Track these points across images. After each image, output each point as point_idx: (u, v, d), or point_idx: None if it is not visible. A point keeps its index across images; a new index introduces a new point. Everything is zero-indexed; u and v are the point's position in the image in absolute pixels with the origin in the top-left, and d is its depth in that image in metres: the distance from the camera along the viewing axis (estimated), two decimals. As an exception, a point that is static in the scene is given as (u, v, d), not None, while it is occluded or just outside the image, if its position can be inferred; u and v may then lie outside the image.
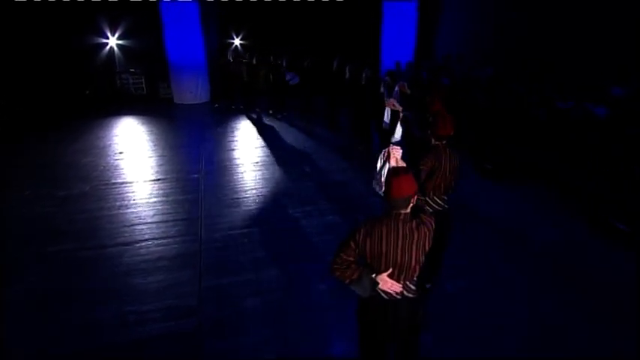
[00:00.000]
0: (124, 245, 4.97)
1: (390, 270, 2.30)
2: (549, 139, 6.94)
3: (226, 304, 3.97)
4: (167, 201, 6.19)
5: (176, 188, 6.68)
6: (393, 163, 2.90)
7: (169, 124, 11.11)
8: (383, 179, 2.83)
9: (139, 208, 5.94)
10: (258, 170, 7.50)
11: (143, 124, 11.09)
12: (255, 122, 11.23)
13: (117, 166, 7.72)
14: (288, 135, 9.93)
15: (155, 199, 6.24)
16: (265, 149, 8.77)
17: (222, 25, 15.80)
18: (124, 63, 14.34)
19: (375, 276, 2.32)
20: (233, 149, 8.80)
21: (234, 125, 10.96)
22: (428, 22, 14.60)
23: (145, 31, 13.69)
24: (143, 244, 5.01)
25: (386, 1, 14.12)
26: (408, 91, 6.64)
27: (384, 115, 6.44)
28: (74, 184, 6.75)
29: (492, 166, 7.22)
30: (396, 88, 6.92)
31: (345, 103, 9.66)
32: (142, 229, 5.36)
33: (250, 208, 5.98)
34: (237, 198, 6.32)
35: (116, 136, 9.81)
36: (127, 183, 6.88)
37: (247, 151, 8.68)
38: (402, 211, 2.26)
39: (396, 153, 2.93)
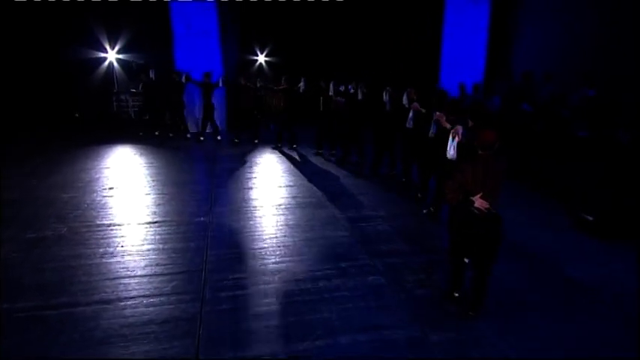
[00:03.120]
0: (103, 304, 4.80)
1: (481, 193, 4.12)
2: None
3: (230, 389, 3.70)
4: (164, 249, 6.09)
5: (176, 234, 6.60)
6: (457, 139, 5.86)
7: (174, 156, 11.25)
8: (453, 151, 5.94)
9: (127, 257, 5.84)
10: (281, 215, 7.39)
11: (142, 154, 11.27)
12: (280, 156, 11.22)
13: (104, 204, 7.74)
14: (322, 172, 9.88)
15: (148, 247, 6.16)
16: (291, 189, 8.70)
17: (244, 39, 16.28)
18: (125, 81, 14.87)
19: (472, 197, 4.17)
20: (251, 188, 8.78)
21: (253, 159, 10.99)
22: (503, 31, 14.51)
23: (151, 44, 14.25)
24: (128, 302, 4.84)
25: (450, 6, 14.19)
26: (415, 97, 8.50)
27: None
28: (48, 225, 6.75)
29: (595, 216, 6.78)
30: (405, 95, 8.72)
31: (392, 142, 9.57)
32: (129, 283, 5.22)
33: (269, 261, 5.80)
34: (253, 249, 6.16)
35: (107, 168, 9.96)
36: (114, 225, 6.85)
37: (268, 190, 8.62)
38: (489, 152, 4.16)
39: (458, 131, 5.80)
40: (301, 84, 11.69)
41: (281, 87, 11.87)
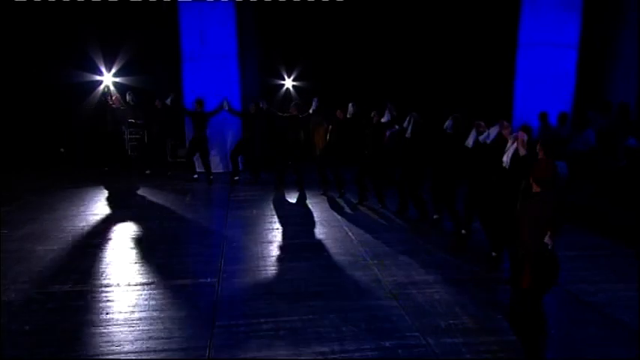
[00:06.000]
0: (78, 388, 4.77)
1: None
2: None
3: None
4: (159, 318, 6.05)
5: (176, 299, 6.58)
6: (520, 147, 6.51)
7: (177, 201, 11.40)
8: (507, 159, 6.78)
9: (113, 328, 5.80)
10: (308, 277, 7.35)
11: (138, 199, 11.43)
12: (309, 203, 11.26)
13: (88, 260, 7.78)
14: (361, 223, 9.84)
15: (140, 315, 6.13)
16: (321, 245, 8.68)
17: (267, 62, 16.50)
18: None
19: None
20: (271, 242, 8.81)
21: (275, 206, 11.05)
22: (598, 50, 14.38)
23: (155, 65, 14.62)
24: (109, 387, 4.79)
25: (527, 18, 14.22)
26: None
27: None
28: (15, 286, 6.78)
29: None
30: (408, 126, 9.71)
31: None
32: (112, 362, 5.18)
33: (291, 337, 5.68)
34: (273, 320, 6.05)
35: (94, 215, 10.11)
36: (100, 287, 6.87)
37: (293, 245, 8.65)
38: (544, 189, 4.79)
39: (523, 137, 6.56)
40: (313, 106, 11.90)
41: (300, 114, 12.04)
